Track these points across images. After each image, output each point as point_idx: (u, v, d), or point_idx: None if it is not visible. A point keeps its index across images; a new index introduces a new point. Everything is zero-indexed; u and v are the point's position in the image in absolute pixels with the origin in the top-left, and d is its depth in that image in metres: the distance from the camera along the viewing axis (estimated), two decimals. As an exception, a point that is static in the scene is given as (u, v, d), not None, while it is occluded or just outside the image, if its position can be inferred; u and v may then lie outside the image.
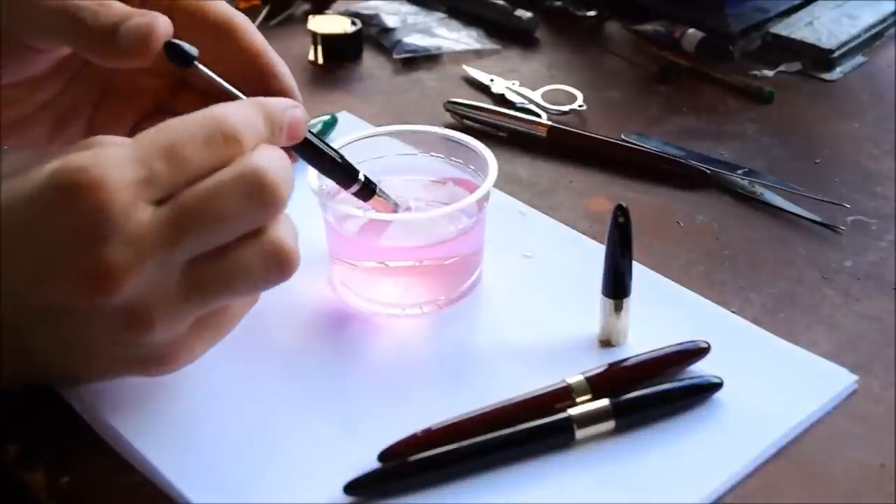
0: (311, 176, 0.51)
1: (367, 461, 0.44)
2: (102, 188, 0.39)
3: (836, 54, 0.78)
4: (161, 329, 0.42)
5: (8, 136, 0.52)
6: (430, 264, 0.53)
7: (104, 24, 0.44)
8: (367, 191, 0.51)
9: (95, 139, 0.42)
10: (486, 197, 0.53)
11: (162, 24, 0.44)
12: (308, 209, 0.51)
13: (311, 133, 0.49)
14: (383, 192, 0.52)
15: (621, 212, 0.48)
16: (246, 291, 0.44)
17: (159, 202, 0.40)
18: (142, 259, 0.39)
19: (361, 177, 0.51)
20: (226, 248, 0.42)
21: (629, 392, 0.47)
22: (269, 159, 0.42)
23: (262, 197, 0.41)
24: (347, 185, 0.51)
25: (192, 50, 0.45)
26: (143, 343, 0.42)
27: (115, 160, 0.40)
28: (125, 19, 0.44)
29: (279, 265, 0.43)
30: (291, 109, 0.46)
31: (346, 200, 0.52)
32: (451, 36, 0.83)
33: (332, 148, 0.51)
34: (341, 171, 0.51)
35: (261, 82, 0.48)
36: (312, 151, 0.49)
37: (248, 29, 0.49)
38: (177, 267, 0.41)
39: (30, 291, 0.41)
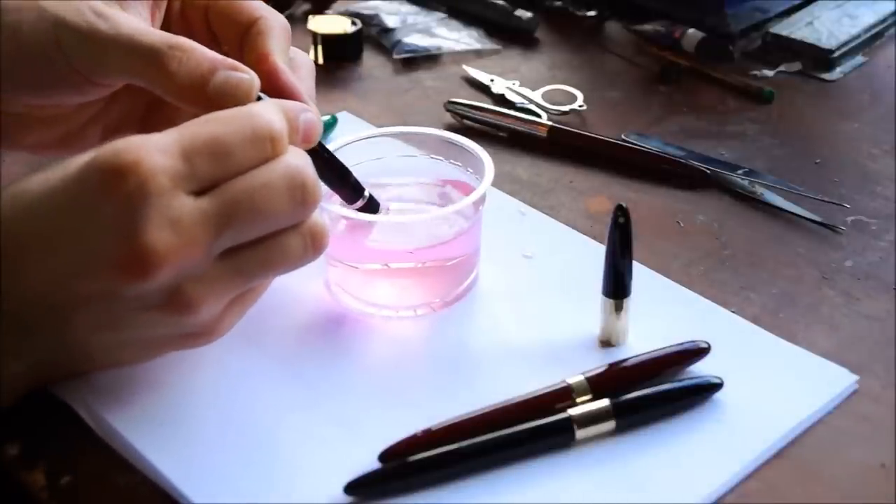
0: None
1: (367, 461, 0.44)
2: (142, 169, 0.39)
3: (836, 54, 0.78)
4: (204, 310, 0.43)
5: (56, 150, 0.52)
6: (430, 266, 0.53)
7: (193, 75, 0.45)
8: (371, 208, 0.52)
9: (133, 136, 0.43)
10: (481, 199, 0.53)
11: (257, 81, 0.46)
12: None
13: (322, 145, 0.49)
14: (387, 211, 0.53)
15: (621, 212, 0.48)
16: (284, 271, 0.45)
17: (198, 193, 0.41)
18: (183, 245, 0.40)
19: (367, 193, 0.52)
20: (266, 235, 0.43)
21: (629, 392, 0.47)
22: (305, 160, 0.44)
23: (304, 195, 0.43)
24: (352, 200, 0.51)
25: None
26: (187, 323, 0.43)
27: (157, 146, 0.40)
28: (213, 69, 0.45)
29: (315, 246, 0.45)
30: (305, 113, 0.46)
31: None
32: (451, 36, 0.83)
33: (341, 162, 0.51)
34: (348, 186, 0.51)
35: (266, 86, 0.48)
36: (323, 162, 0.49)
37: (265, 31, 0.49)
38: (217, 251, 0.42)
39: (75, 281, 0.41)
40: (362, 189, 0.52)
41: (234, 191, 0.41)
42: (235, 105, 0.44)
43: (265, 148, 0.42)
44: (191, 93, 0.45)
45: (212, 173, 0.41)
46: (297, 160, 0.43)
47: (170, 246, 0.40)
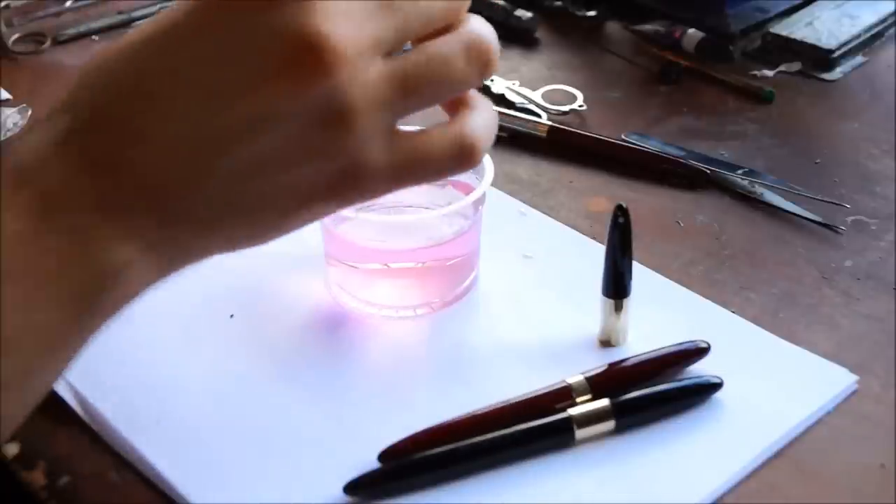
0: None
1: (367, 461, 0.44)
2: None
3: (836, 54, 0.78)
4: (360, 127, 0.38)
5: None
6: (430, 266, 0.53)
7: None
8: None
9: None
10: (481, 199, 0.53)
11: None
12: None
13: None
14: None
15: (621, 212, 0.48)
16: (449, 90, 0.42)
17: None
18: (356, 41, 0.37)
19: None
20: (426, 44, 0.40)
21: (629, 392, 0.47)
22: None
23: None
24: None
25: None
26: (340, 149, 0.38)
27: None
28: None
29: (480, 61, 0.41)
30: None
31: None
32: (451, 36, 0.83)
33: None
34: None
35: None
36: None
37: None
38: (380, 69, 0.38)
39: (218, 111, 0.36)
40: None
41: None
42: None
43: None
44: None
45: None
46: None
47: (346, 39, 0.36)
